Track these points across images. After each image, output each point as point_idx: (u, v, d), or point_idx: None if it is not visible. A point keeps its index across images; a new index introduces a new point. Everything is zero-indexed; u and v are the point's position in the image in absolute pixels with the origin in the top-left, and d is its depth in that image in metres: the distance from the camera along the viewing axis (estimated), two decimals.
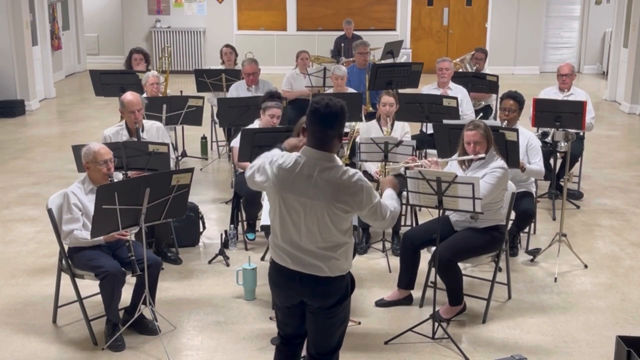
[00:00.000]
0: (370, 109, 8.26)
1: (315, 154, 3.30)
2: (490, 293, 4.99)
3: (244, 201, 6.20)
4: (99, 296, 4.59)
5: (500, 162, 4.91)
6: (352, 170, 3.31)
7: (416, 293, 5.16)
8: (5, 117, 11.29)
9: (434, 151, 6.44)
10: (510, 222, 5.33)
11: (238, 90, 8.05)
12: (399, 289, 5.12)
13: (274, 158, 3.40)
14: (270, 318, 4.89)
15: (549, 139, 6.74)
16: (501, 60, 15.62)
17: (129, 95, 5.88)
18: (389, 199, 3.59)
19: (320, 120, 3.28)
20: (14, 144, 9.76)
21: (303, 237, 3.35)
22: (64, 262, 4.71)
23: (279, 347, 3.74)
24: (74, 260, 4.69)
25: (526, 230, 6.13)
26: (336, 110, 3.26)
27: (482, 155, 4.91)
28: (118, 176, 5.29)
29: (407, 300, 5.13)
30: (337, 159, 3.35)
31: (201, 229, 6.31)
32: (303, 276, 3.37)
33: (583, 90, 7.66)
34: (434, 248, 4.78)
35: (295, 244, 3.37)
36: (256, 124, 6.29)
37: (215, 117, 8.67)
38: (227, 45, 9.51)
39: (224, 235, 6.11)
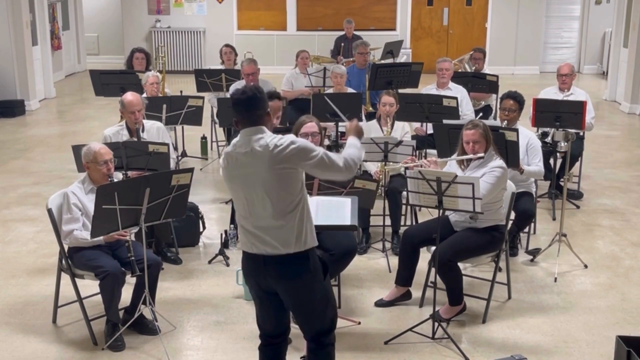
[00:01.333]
0: (370, 109, 8.26)
1: (247, 131, 3.52)
2: (490, 293, 4.99)
3: None
4: (99, 296, 4.59)
5: (499, 162, 4.91)
6: (279, 135, 3.52)
7: (416, 293, 5.16)
8: (5, 117, 11.30)
9: (434, 151, 6.44)
10: (510, 222, 5.33)
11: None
12: (397, 285, 5.13)
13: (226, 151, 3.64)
14: None
15: (548, 139, 6.73)
16: (501, 60, 15.63)
17: (130, 96, 5.88)
18: (349, 147, 3.70)
19: (245, 107, 3.52)
20: (14, 144, 9.76)
21: (257, 211, 3.49)
22: (64, 262, 4.71)
23: (259, 347, 3.79)
24: (74, 260, 4.69)
25: (526, 230, 6.13)
26: (253, 93, 3.52)
27: (481, 154, 4.91)
28: (118, 176, 5.29)
29: (406, 297, 5.13)
30: (267, 129, 3.54)
31: (201, 229, 6.31)
32: (266, 258, 3.50)
33: (583, 90, 7.66)
34: (433, 248, 4.78)
35: (256, 221, 3.51)
36: None
37: (215, 117, 8.67)
38: (227, 45, 9.52)
39: (224, 235, 6.11)
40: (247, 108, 3.52)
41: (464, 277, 4.98)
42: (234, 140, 3.59)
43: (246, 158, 3.47)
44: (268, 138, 3.47)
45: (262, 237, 3.51)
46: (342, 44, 11.91)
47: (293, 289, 3.54)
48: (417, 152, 6.74)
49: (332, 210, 4.25)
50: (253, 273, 3.61)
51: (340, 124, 6.82)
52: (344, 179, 3.70)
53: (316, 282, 3.57)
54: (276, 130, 5.88)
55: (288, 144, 3.42)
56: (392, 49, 10.25)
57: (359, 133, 3.83)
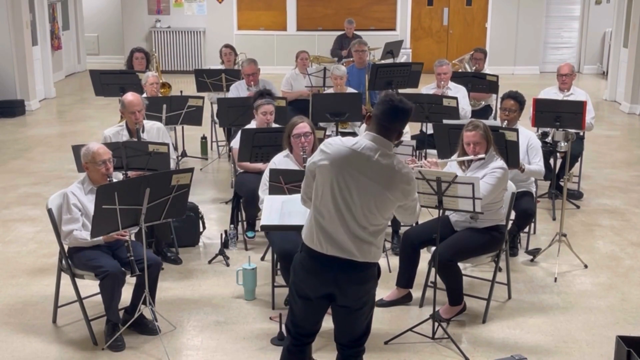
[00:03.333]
0: (371, 109, 8.26)
1: (377, 139, 3.41)
2: (490, 293, 4.99)
3: (244, 201, 6.19)
4: (99, 296, 4.59)
5: (499, 163, 4.91)
6: (404, 163, 3.48)
7: (416, 293, 5.16)
8: (5, 117, 11.29)
9: (434, 151, 6.44)
10: (510, 222, 5.33)
11: (238, 90, 8.05)
12: (398, 287, 5.12)
13: (331, 141, 3.48)
14: (271, 318, 4.90)
15: (549, 139, 6.74)
16: (501, 60, 15.63)
17: (130, 96, 5.88)
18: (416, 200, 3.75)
19: (394, 113, 3.41)
20: (14, 144, 9.76)
21: (350, 218, 3.38)
22: (64, 262, 4.71)
23: (289, 348, 3.68)
24: (74, 260, 4.69)
25: (526, 230, 6.13)
26: (410, 107, 3.45)
27: (482, 155, 4.91)
28: (118, 176, 5.29)
29: (406, 299, 5.13)
30: (394, 150, 3.49)
31: (201, 229, 6.31)
32: (341, 261, 3.42)
33: (583, 90, 7.66)
34: (433, 248, 4.78)
35: (342, 224, 3.39)
36: (253, 125, 6.29)
37: (215, 117, 8.67)
38: (227, 46, 9.51)
39: (224, 235, 6.11)
40: (396, 117, 3.42)
41: (464, 277, 4.98)
42: (357, 137, 3.46)
43: (368, 165, 3.36)
44: (395, 160, 3.41)
45: (338, 241, 3.40)
46: (343, 44, 11.94)
47: (361, 292, 3.48)
48: (417, 152, 6.73)
49: None
50: (319, 272, 3.46)
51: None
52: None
53: (374, 292, 3.60)
54: (277, 130, 5.93)
55: (410, 179, 3.42)
56: (392, 49, 10.25)
57: None
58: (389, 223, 5.99)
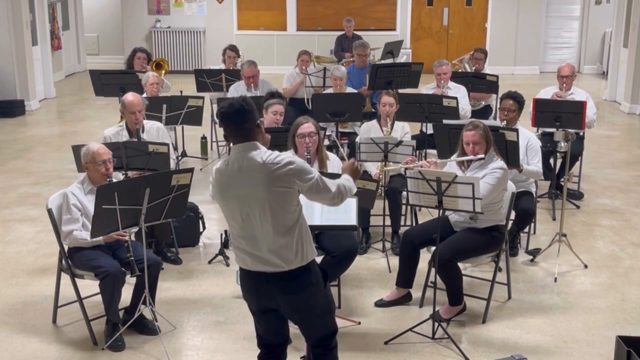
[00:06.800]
0: (371, 109, 8.26)
1: (239, 147, 3.41)
2: (490, 293, 4.99)
3: None
4: (99, 296, 4.59)
5: (499, 163, 4.91)
6: (276, 152, 3.42)
7: (416, 293, 5.16)
8: (5, 117, 11.30)
9: (434, 151, 6.44)
10: (510, 222, 5.33)
11: (238, 90, 8.04)
12: (398, 287, 5.13)
13: (214, 167, 3.51)
14: None
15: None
16: (501, 60, 15.62)
17: (130, 96, 5.88)
18: (343, 179, 3.67)
19: (233, 121, 3.40)
20: (14, 144, 9.76)
21: (256, 230, 3.40)
22: (64, 262, 4.71)
23: (260, 357, 3.72)
24: (74, 260, 4.69)
25: (526, 230, 6.13)
26: (239, 106, 3.39)
27: (482, 155, 4.90)
28: (118, 176, 5.29)
29: (406, 299, 5.13)
30: (261, 145, 3.44)
31: (201, 229, 6.31)
32: (268, 276, 3.43)
33: (583, 90, 7.64)
34: (433, 248, 4.78)
35: (253, 240, 3.42)
36: None
37: (215, 117, 8.67)
38: (232, 49, 9.39)
39: (223, 235, 6.11)
40: (235, 122, 3.39)
41: (464, 277, 4.98)
42: (226, 158, 3.47)
43: (241, 176, 3.36)
44: (264, 155, 3.36)
45: (261, 257, 3.42)
46: (342, 44, 11.94)
47: (298, 302, 3.48)
48: (417, 152, 6.74)
49: (340, 209, 4.23)
50: (253, 290, 3.52)
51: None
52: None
53: (319, 292, 3.53)
54: (275, 131, 5.93)
55: (285, 164, 3.33)
56: (392, 49, 10.25)
57: (355, 174, 3.80)
58: (388, 223, 6.06)
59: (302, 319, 3.58)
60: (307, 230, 3.51)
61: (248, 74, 7.91)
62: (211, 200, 7.34)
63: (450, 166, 5.12)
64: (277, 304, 3.50)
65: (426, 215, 6.38)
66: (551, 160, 6.88)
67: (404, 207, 6.25)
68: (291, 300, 3.47)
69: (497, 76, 8.32)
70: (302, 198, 3.50)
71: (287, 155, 3.40)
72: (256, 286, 3.49)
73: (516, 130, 5.61)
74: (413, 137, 6.63)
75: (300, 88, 8.62)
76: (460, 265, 4.91)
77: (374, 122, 6.55)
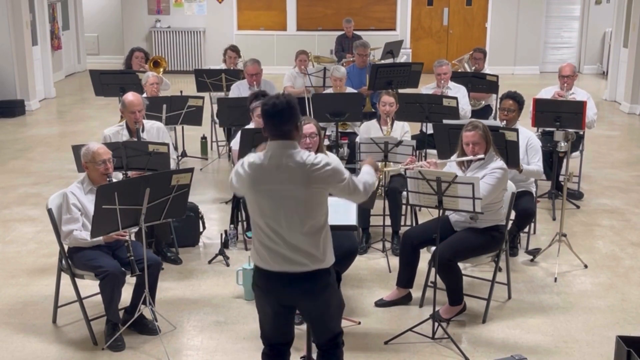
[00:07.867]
0: (371, 109, 8.26)
1: (278, 144, 3.42)
2: (490, 293, 4.99)
3: (244, 201, 6.19)
4: (99, 296, 4.59)
5: (499, 163, 4.91)
6: (312, 153, 3.47)
7: (416, 293, 5.16)
8: (5, 117, 11.29)
9: (434, 151, 6.44)
10: (510, 222, 5.33)
11: (240, 89, 8.04)
12: (398, 287, 5.13)
13: (244, 160, 3.51)
14: None
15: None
16: (501, 60, 15.62)
17: (130, 96, 5.88)
18: (364, 174, 3.74)
19: (274, 120, 3.41)
20: (14, 144, 9.76)
21: (285, 227, 3.41)
22: (64, 262, 4.71)
23: (266, 352, 3.72)
24: (74, 260, 4.69)
25: (526, 230, 6.13)
26: (282, 108, 3.39)
27: (481, 156, 4.90)
28: (118, 176, 5.29)
29: (406, 299, 5.13)
30: (297, 145, 3.46)
31: (201, 229, 6.31)
32: (291, 276, 3.44)
33: (584, 90, 7.64)
34: (433, 248, 4.78)
35: (280, 238, 3.42)
36: (253, 125, 6.28)
37: (215, 117, 8.67)
38: (233, 49, 9.39)
39: (224, 235, 6.11)
40: (277, 122, 3.40)
41: (464, 277, 4.98)
42: (263, 152, 3.46)
43: (280, 173, 3.38)
44: (304, 155, 3.40)
45: (288, 256, 3.43)
46: (342, 44, 11.94)
47: (318, 302, 3.52)
48: (417, 152, 6.74)
49: (340, 209, 4.23)
50: (274, 291, 3.51)
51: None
52: (360, 202, 3.73)
53: (335, 292, 3.60)
54: None
55: (324, 164, 3.38)
56: (392, 49, 10.25)
57: (374, 165, 3.89)
58: (387, 223, 6.06)
59: (318, 318, 3.61)
60: (330, 234, 3.56)
61: (252, 71, 7.89)
62: (211, 200, 7.45)
63: (450, 166, 5.12)
64: (297, 304, 3.54)
65: (426, 215, 6.38)
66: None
67: (404, 207, 6.25)
68: (312, 300, 3.50)
69: (497, 76, 8.32)
70: None
71: (323, 157, 3.45)
72: (278, 286, 3.49)
73: (516, 130, 5.61)
74: (413, 137, 6.63)
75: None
76: (460, 265, 4.91)
77: (374, 121, 6.54)
